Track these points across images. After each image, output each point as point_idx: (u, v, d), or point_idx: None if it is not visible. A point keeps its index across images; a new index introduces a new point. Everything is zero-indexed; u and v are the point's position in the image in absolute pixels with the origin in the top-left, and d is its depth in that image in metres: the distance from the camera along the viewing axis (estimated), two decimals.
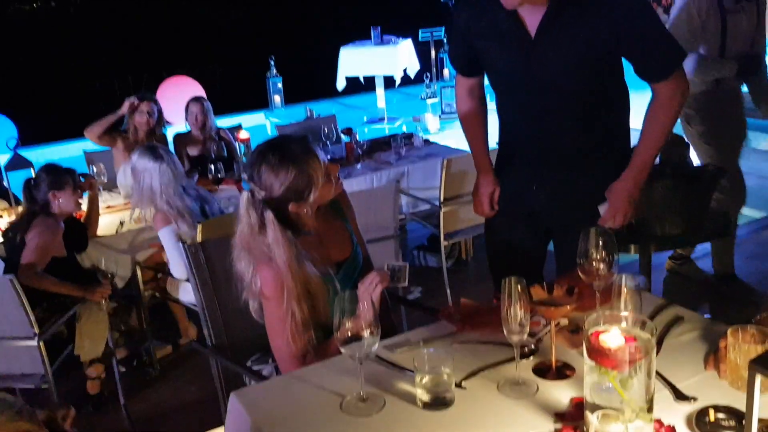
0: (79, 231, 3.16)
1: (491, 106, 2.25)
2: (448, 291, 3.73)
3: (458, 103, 2.33)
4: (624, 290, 1.45)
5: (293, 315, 1.76)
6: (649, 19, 1.93)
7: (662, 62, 1.95)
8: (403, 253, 3.62)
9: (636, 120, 2.14)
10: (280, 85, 8.73)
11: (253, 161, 1.81)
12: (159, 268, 3.26)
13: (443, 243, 3.74)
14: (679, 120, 3.30)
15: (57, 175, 3.00)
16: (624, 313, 1.30)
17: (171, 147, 4.41)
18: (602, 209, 2.07)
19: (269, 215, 1.76)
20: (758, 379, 0.95)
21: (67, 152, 7.85)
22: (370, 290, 1.72)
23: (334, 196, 1.90)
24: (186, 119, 4.40)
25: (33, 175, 3.09)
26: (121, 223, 3.41)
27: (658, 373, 1.45)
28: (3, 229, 3.22)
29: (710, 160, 3.33)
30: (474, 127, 2.30)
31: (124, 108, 4.08)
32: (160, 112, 4.24)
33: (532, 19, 1.91)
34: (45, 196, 2.96)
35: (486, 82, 2.26)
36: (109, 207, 3.64)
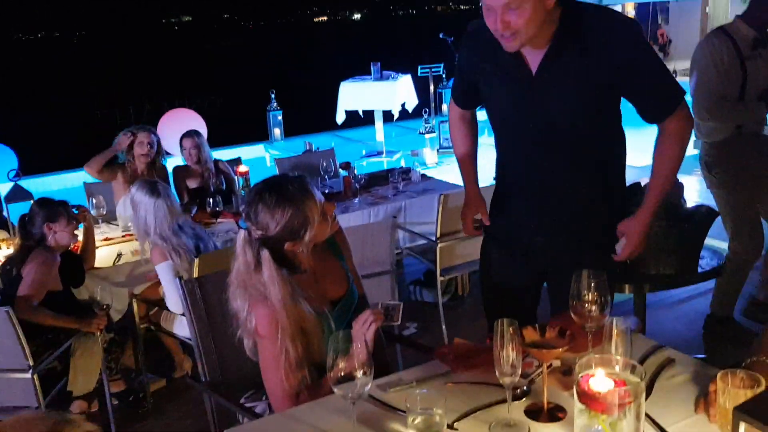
0: (76, 265, 3.17)
1: (489, 140, 2.28)
2: (444, 327, 3.72)
3: (450, 121, 2.39)
4: (614, 333, 1.47)
5: (287, 353, 1.77)
6: (650, 60, 1.94)
7: (665, 101, 1.97)
8: (399, 288, 3.63)
9: (631, 157, 2.17)
10: (280, 117, 8.83)
11: (250, 201, 1.83)
12: (155, 302, 3.26)
13: (439, 278, 3.74)
14: (699, 165, 3.35)
15: (50, 207, 3.02)
16: (614, 357, 1.31)
17: (171, 178, 4.46)
18: (619, 247, 2.10)
19: (265, 254, 1.78)
20: (742, 426, 0.97)
21: (68, 182, 7.89)
22: (364, 329, 1.73)
23: (330, 234, 1.92)
24: (182, 154, 4.44)
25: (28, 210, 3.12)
26: (119, 256, 3.43)
27: (648, 416, 1.45)
28: (1, 261, 3.23)
29: (729, 210, 3.32)
30: (462, 143, 2.35)
31: (123, 144, 4.12)
32: (158, 143, 4.28)
33: (533, 57, 1.93)
34: (40, 230, 2.98)
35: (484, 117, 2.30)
36: (107, 239, 3.65)
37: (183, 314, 2.85)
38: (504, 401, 1.51)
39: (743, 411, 0.95)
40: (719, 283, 3.44)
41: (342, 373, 1.44)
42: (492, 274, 2.32)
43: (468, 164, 2.35)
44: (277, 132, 8.79)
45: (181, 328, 3.13)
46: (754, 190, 3.30)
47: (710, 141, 3.28)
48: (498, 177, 2.29)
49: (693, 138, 2.19)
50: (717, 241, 4.17)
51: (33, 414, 0.99)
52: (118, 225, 3.89)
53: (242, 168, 4.28)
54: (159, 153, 4.28)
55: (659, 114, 1.99)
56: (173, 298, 2.97)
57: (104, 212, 3.83)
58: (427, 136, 8.29)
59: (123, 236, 3.71)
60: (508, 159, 2.19)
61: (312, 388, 1.79)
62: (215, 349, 2.15)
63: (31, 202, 3.71)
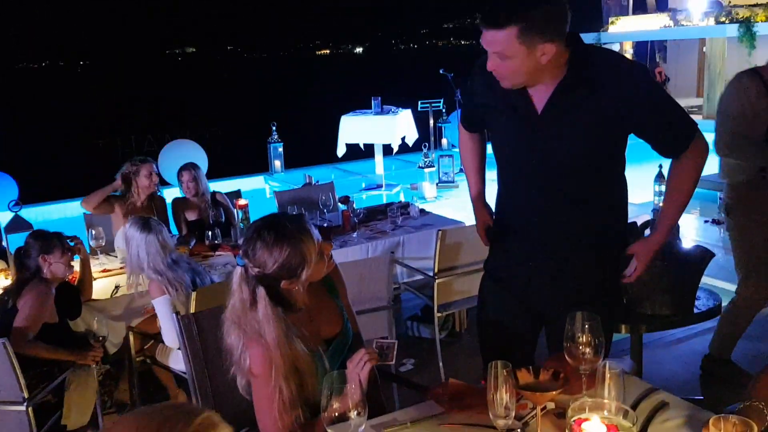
0: (73, 297, 3.18)
1: (492, 174, 2.29)
2: (441, 363, 3.71)
3: (459, 138, 2.41)
4: (608, 376, 1.48)
5: (281, 392, 1.77)
6: (660, 97, 1.97)
7: (679, 137, 2.00)
8: (396, 324, 3.63)
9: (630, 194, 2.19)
10: (280, 150, 8.91)
11: (248, 238, 1.84)
12: (151, 335, 3.26)
13: (437, 314, 3.74)
14: (697, 205, 3.32)
15: (45, 239, 3.05)
16: (607, 401, 1.31)
17: (170, 209, 4.48)
18: (630, 269, 2.15)
19: (261, 291, 1.79)
20: None
21: (68, 212, 7.91)
22: (358, 369, 1.73)
23: (326, 273, 1.93)
24: (179, 186, 4.47)
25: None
26: (117, 288, 3.43)
27: None
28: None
29: (744, 253, 3.27)
30: (471, 158, 2.38)
31: (119, 182, 4.15)
32: (159, 174, 4.32)
33: (539, 95, 1.94)
34: (35, 262, 3.00)
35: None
36: (105, 270, 3.66)
37: (179, 348, 2.86)
38: None
39: None
40: (721, 326, 3.39)
41: (336, 414, 1.44)
42: (489, 313, 2.30)
43: (475, 178, 2.39)
44: (277, 164, 8.86)
45: (177, 362, 3.13)
46: None
47: (733, 182, 3.25)
48: (497, 213, 2.28)
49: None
50: (713, 280, 4.20)
51: None
52: (116, 256, 3.91)
53: (242, 201, 4.31)
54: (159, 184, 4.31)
55: (675, 150, 2.03)
56: (170, 332, 2.97)
57: (103, 243, 3.85)
58: (426, 170, 8.36)
59: (121, 268, 3.71)
60: (508, 195, 2.19)
61: (306, 427, 1.79)
62: (210, 385, 2.14)
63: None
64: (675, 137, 2.00)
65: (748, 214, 3.22)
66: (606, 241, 2.11)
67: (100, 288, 3.43)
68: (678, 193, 2.09)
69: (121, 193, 4.21)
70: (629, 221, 2.75)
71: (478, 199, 2.37)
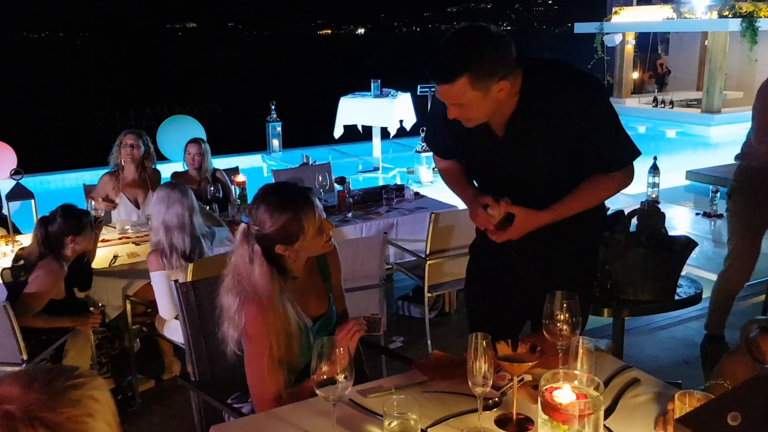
0: (85, 270, 3.23)
1: None
2: (429, 342, 3.80)
3: (438, 167, 2.38)
4: (580, 351, 1.56)
5: (271, 349, 1.86)
6: (607, 119, 1.98)
7: (616, 159, 2.01)
8: (387, 303, 3.71)
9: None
10: (279, 129, 8.95)
11: (256, 197, 1.94)
12: (148, 304, 3.34)
13: (427, 294, 3.83)
14: (685, 197, 3.44)
15: (76, 219, 3.05)
16: (578, 373, 1.40)
17: None
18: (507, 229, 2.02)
19: (257, 249, 1.88)
20: None
21: (67, 182, 7.97)
22: (348, 337, 1.84)
23: (324, 252, 2.01)
24: (184, 158, 4.54)
25: (47, 214, 3.10)
26: (116, 257, 3.51)
27: (609, 430, 1.55)
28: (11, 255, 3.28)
29: (737, 233, 3.45)
30: (455, 176, 2.30)
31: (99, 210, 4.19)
32: (148, 146, 4.36)
33: (497, 121, 1.98)
34: (60, 240, 3.00)
35: None
36: (104, 240, 3.73)
37: (176, 317, 2.95)
38: (476, 411, 1.60)
39: (683, 422, 1.04)
40: (710, 303, 3.62)
41: (324, 376, 1.53)
42: (477, 296, 2.37)
43: (462, 182, 2.29)
44: (275, 143, 8.91)
45: (172, 333, 3.21)
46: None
47: (744, 165, 3.40)
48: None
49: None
50: (698, 270, 4.30)
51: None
52: (114, 227, 3.98)
53: (240, 178, 4.38)
54: (149, 157, 4.35)
55: (607, 169, 2.02)
56: (165, 305, 3.06)
57: (102, 214, 3.92)
58: (423, 154, 8.40)
59: (120, 238, 3.80)
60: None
61: (292, 392, 1.88)
62: (206, 352, 2.23)
63: (32, 202, 3.81)
64: (613, 160, 2.00)
65: (751, 197, 3.38)
66: (585, 234, 2.16)
67: (99, 257, 3.50)
68: (587, 193, 2.03)
69: (114, 168, 4.29)
70: (618, 209, 2.84)
71: (472, 190, 2.26)
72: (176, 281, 2.22)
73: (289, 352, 1.90)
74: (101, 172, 4.45)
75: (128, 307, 3.33)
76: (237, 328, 1.90)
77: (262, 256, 1.88)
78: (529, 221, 2.00)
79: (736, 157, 3.49)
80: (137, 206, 4.27)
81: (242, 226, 1.92)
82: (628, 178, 2.05)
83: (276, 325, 1.87)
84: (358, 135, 8.81)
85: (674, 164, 7.62)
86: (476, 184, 2.23)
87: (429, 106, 2.27)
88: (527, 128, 1.96)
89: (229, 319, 1.91)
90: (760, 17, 11.55)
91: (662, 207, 3.65)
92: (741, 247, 3.47)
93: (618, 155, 2.01)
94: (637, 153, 2.03)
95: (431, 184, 7.51)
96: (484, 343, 1.52)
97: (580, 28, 14.35)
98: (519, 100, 1.93)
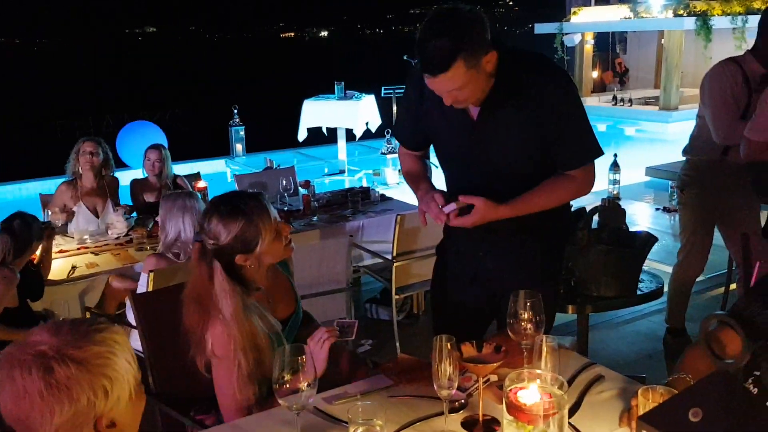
0: (36, 280, 3.15)
1: (438, 171, 2.32)
2: (398, 344, 3.79)
3: (401, 160, 2.39)
4: (545, 349, 1.56)
5: (239, 366, 1.80)
6: (575, 114, 1.99)
7: (579, 155, 2.02)
8: (355, 306, 3.69)
9: None
10: (242, 133, 8.87)
11: (205, 212, 1.88)
12: (109, 316, 3.27)
13: (395, 297, 3.82)
14: (647, 192, 3.52)
15: (27, 228, 3.01)
16: (543, 372, 1.40)
17: (127, 191, 4.47)
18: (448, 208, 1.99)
19: (217, 265, 1.83)
20: None
21: (24, 192, 7.78)
22: (319, 346, 1.80)
23: (286, 257, 1.97)
24: (143, 165, 4.46)
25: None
26: (74, 268, 3.43)
27: (574, 428, 1.55)
28: None
29: (690, 227, 3.53)
30: (416, 168, 2.30)
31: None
32: (106, 153, 4.28)
33: (473, 108, 1.99)
34: (8, 246, 2.94)
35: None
36: (62, 251, 3.64)
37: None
38: (442, 413, 1.59)
39: (645, 420, 1.04)
40: (668, 296, 3.68)
41: (288, 385, 1.50)
42: (443, 296, 2.36)
43: (418, 177, 2.28)
44: (239, 147, 8.82)
45: (135, 341, 3.14)
46: (723, 217, 3.46)
47: (694, 159, 3.47)
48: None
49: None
50: (658, 264, 4.37)
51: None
52: (72, 237, 3.89)
53: (201, 184, 4.32)
54: (107, 165, 4.27)
55: (569, 165, 2.03)
56: None
57: (60, 224, 3.82)
58: (389, 156, 8.41)
59: (78, 249, 3.71)
60: (456, 191, 2.19)
61: (263, 404, 1.83)
62: (165, 363, 2.18)
63: None
64: (574, 153, 2.01)
65: (702, 190, 3.44)
66: (550, 233, 2.17)
67: (57, 268, 3.42)
68: (547, 191, 2.03)
69: (71, 177, 4.20)
70: (580, 207, 2.87)
71: (426, 186, 2.23)
72: (133, 291, 2.17)
73: (259, 366, 1.85)
74: (59, 181, 4.35)
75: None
76: (204, 351, 1.84)
77: (222, 271, 1.82)
78: (488, 212, 1.96)
79: (684, 152, 3.55)
80: (96, 215, 4.18)
81: (196, 245, 1.86)
82: (588, 183, 2.06)
83: (243, 342, 1.81)
84: (323, 138, 8.78)
85: (634, 161, 7.74)
86: (447, 177, 2.22)
87: (399, 100, 2.23)
88: (500, 111, 1.96)
89: (195, 343, 1.85)
90: (714, 15, 11.82)
91: (623, 203, 3.72)
92: (694, 239, 3.55)
93: (582, 150, 2.01)
94: (599, 152, 2.04)
95: (397, 185, 7.50)
96: (449, 345, 1.51)
97: (541, 28, 14.52)
98: (495, 81, 1.93)
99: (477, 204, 1.96)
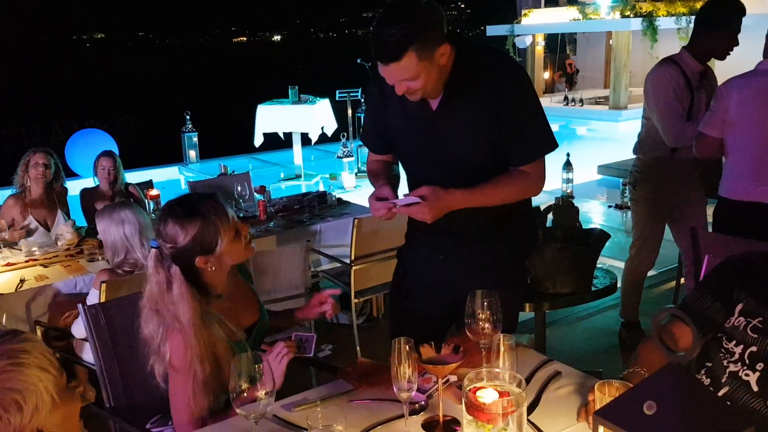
0: None
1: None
2: (358, 348, 3.78)
3: (368, 168, 2.34)
4: (502, 348, 1.57)
5: (195, 375, 1.75)
6: (530, 107, 2.01)
7: (533, 149, 2.03)
8: None
9: None
10: (195, 139, 8.74)
11: (160, 216, 1.83)
12: (59, 329, 3.17)
13: (354, 300, 3.81)
14: (599, 191, 3.59)
15: None
16: (500, 371, 1.41)
17: (76, 201, 4.36)
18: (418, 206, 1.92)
19: (176, 270, 1.77)
20: (601, 429, 1.07)
21: None
22: (277, 361, 1.76)
23: (247, 257, 1.93)
24: (95, 173, 4.36)
25: None
26: (22, 281, 3.32)
27: (533, 425, 1.57)
28: None
29: (641, 223, 3.63)
30: (378, 171, 2.26)
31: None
32: (57, 164, 4.17)
33: (432, 96, 1.99)
34: None
35: None
36: (9, 264, 3.53)
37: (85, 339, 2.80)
38: (402, 416, 1.59)
39: (601, 415, 1.06)
40: (621, 291, 3.77)
41: (245, 394, 1.48)
42: (401, 302, 2.34)
43: (379, 176, 2.23)
44: (192, 154, 8.69)
45: (89, 354, 3.06)
46: (674, 212, 3.57)
47: (645, 158, 3.55)
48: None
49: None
50: (611, 260, 4.46)
51: None
52: (20, 250, 3.77)
53: (153, 192, 4.23)
54: (58, 176, 4.17)
55: (523, 159, 2.04)
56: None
57: (5, 236, 3.70)
58: (345, 159, 8.40)
59: (26, 261, 3.59)
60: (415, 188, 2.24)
61: (220, 415, 1.79)
62: (120, 376, 2.12)
63: None
64: (526, 148, 2.02)
65: (654, 188, 3.54)
66: (512, 230, 2.18)
67: (5, 282, 3.31)
68: (501, 184, 2.02)
69: (19, 189, 4.08)
70: (534, 206, 2.90)
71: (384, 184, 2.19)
72: (83, 303, 2.10)
73: (218, 375, 1.80)
74: (6, 192, 4.21)
75: (39, 333, 3.16)
76: (162, 361, 1.79)
77: (181, 276, 1.77)
78: (438, 198, 1.92)
79: (635, 151, 3.64)
80: (47, 227, 4.06)
81: (153, 252, 1.80)
82: (540, 178, 2.06)
83: (200, 351, 1.76)
84: (280, 142, 8.71)
85: (586, 160, 7.89)
86: (408, 177, 2.21)
87: (365, 103, 2.19)
88: (459, 103, 1.97)
89: (154, 352, 1.80)
90: (660, 16, 12.14)
91: (576, 201, 3.77)
92: (646, 234, 3.65)
93: (535, 145, 2.02)
94: (554, 144, 2.06)
95: (354, 189, 7.50)
96: (407, 347, 1.51)
97: (492, 30, 14.69)
98: (452, 72, 1.94)
99: (423, 191, 1.91)
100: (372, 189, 2.17)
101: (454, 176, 2.03)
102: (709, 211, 3.50)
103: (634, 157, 3.67)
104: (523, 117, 2.00)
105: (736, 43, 3.33)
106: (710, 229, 3.39)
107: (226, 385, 1.79)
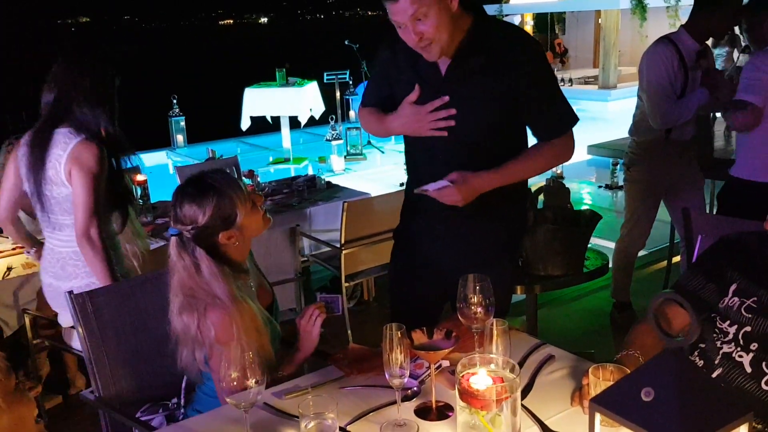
0: None
1: (397, 146, 2.27)
2: (350, 332, 3.77)
3: (362, 119, 2.31)
4: (495, 333, 1.56)
5: (243, 350, 1.73)
6: (550, 83, 2.02)
7: (558, 124, 2.05)
8: (305, 296, 3.64)
9: None
10: (182, 124, 8.64)
11: (174, 202, 1.80)
12: (48, 317, 3.14)
13: (344, 284, 3.79)
14: (590, 173, 3.59)
15: None
16: (494, 356, 1.39)
17: None
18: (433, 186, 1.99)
19: (200, 252, 1.75)
20: (597, 416, 1.06)
21: None
22: (311, 323, 1.83)
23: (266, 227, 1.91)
24: None
25: None
26: (9, 269, 3.28)
27: (528, 410, 1.55)
28: None
29: (634, 204, 3.64)
30: (376, 115, 2.23)
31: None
32: None
33: (443, 61, 1.99)
34: None
35: None
36: None
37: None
38: (395, 403, 1.57)
39: (597, 402, 1.04)
40: (612, 271, 3.76)
41: (234, 383, 1.46)
42: (400, 284, 2.34)
43: (380, 116, 2.20)
44: (179, 138, 8.60)
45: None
46: (669, 194, 3.57)
47: (640, 139, 3.55)
48: (408, 183, 2.31)
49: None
50: (602, 241, 4.46)
51: None
52: (7, 237, 3.71)
53: (139, 177, 4.17)
54: None
55: (549, 134, 2.06)
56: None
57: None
58: (333, 142, 8.34)
59: (13, 249, 3.54)
60: (417, 165, 2.22)
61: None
62: (108, 364, 2.10)
63: None
64: (554, 122, 2.04)
65: (648, 169, 3.54)
66: (509, 208, 2.17)
67: None
68: (532, 158, 2.05)
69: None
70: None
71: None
72: (70, 292, 2.07)
73: (261, 350, 1.76)
74: None
75: (27, 322, 3.12)
76: (204, 344, 1.75)
77: (207, 256, 1.75)
78: (467, 180, 1.95)
79: (630, 133, 3.63)
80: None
81: (172, 240, 1.77)
82: (569, 148, 2.10)
83: (245, 324, 1.74)
84: (268, 126, 8.63)
85: (576, 140, 7.85)
86: (409, 157, 2.21)
87: (371, 68, 2.20)
88: (470, 71, 1.96)
89: (192, 339, 1.75)
90: None
91: (567, 182, 3.76)
92: (639, 213, 3.65)
93: (560, 119, 2.05)
94: (576, 119, 2.08)
95: (344, 172, 7.46)
96: (399, 333, 1.49)
97: None
98: (465, 39, 1.94)
99: (453, 177, 1.94)
100: (357, 176, 2.16)
101: (454, 148, 2.03)
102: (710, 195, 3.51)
103: (628, 137, 3.66)
104: (546, 90, 2.01)
105: (736, 23, 3.31)
106: (714, 211, 3.39)
107: (269, 357, 1.81)
